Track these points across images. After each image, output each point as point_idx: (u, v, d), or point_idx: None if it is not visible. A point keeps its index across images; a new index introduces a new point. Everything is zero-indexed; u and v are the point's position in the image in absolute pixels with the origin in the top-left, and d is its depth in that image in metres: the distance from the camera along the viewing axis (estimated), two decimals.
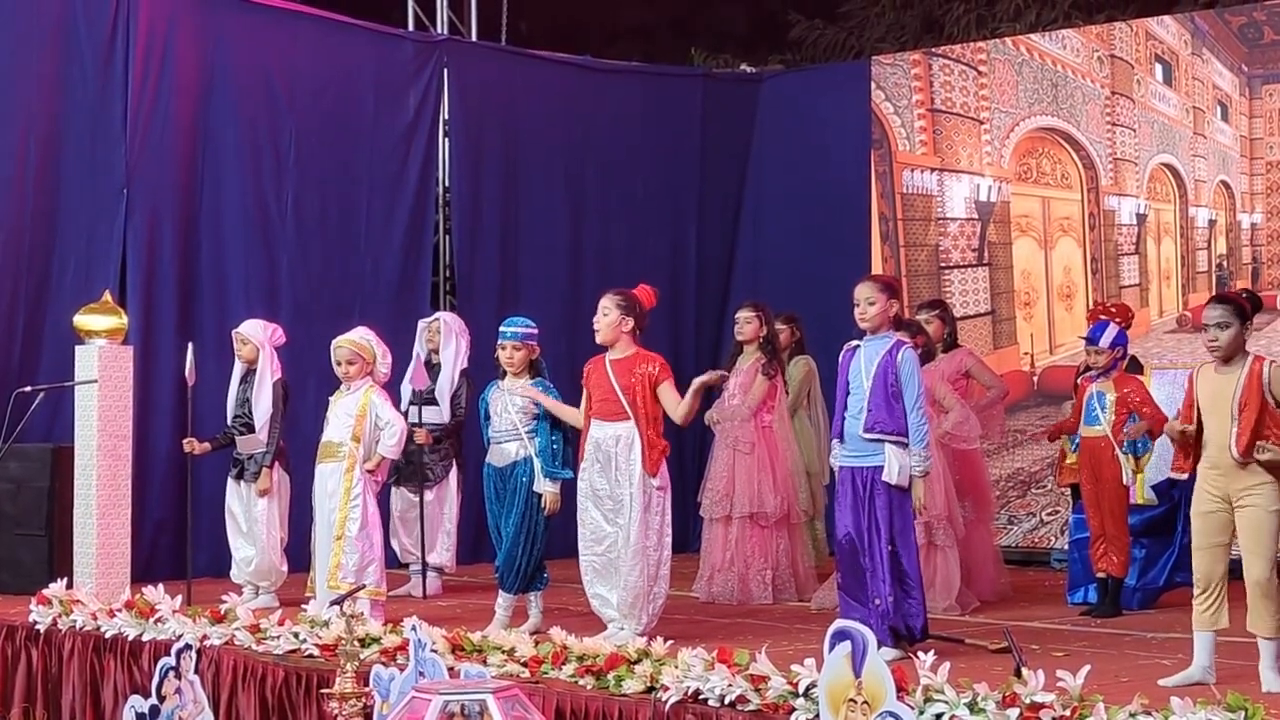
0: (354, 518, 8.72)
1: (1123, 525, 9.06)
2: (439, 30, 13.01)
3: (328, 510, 8.82)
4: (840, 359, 7.68)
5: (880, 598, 7.39)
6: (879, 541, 7.42)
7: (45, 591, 8.92)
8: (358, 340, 8.93)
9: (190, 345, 9.72)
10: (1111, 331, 9.05)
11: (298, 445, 10.08)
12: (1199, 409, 6.73)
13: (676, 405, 8.07)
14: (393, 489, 10.54)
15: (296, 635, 7.69)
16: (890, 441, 7.41)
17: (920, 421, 7.45)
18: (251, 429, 9.64)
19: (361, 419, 8.78)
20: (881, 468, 7.42)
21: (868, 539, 7.45)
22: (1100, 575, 9.12)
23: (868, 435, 7.45)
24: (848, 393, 7.57)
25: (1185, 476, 6.92)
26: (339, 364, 8.94)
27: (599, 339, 8.20)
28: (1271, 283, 11.44)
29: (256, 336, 9.76)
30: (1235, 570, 6.75)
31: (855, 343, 7.68)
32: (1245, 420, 6.54)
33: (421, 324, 10.69)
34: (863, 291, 7.62)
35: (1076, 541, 9.61)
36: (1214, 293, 11.52)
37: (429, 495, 10.40)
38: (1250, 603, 6.57)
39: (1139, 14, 12.74)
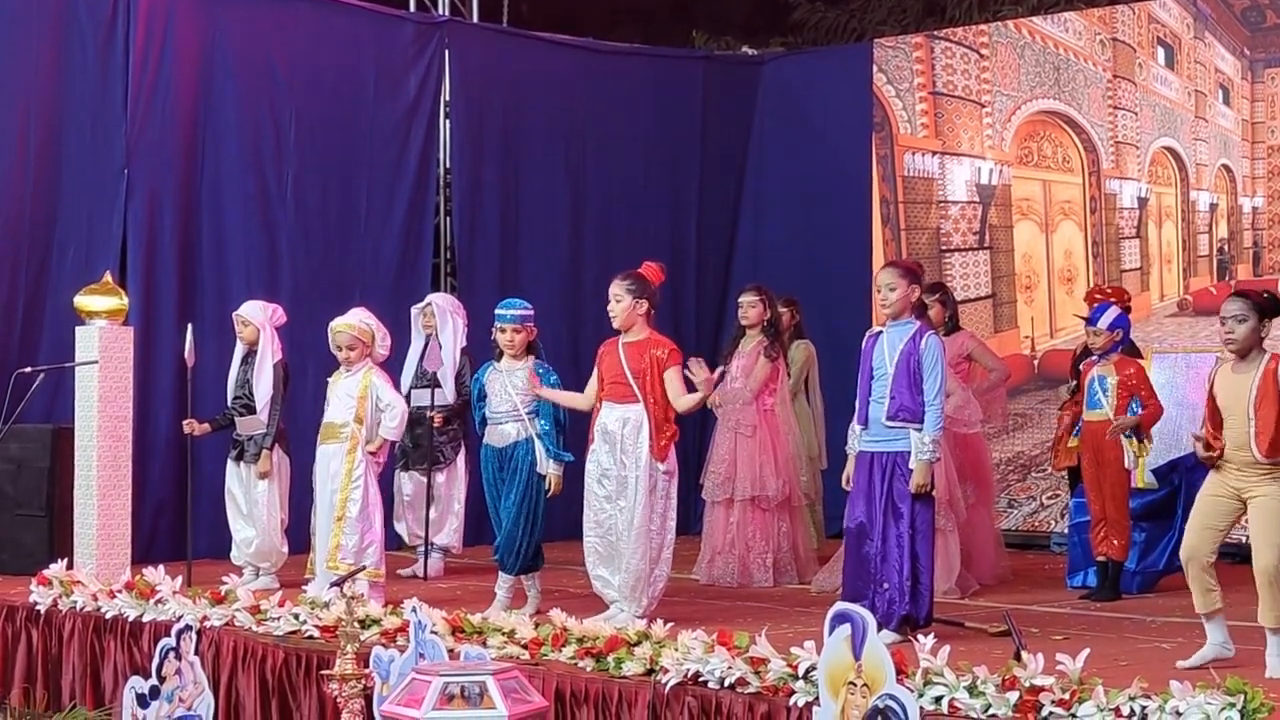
0: (354, 499, 8.73)
1: (1124, 509, 9.06)
2: (440, 12, 12.99)
3: (329, 491, 8.83)
4: (864, 344, 7.67)
5: (890, 583, 7.39)
6: (895, 526, 7.42)
7: (45, 572, 8.93)
8: (357, 325, 8.92)
9: (190, 326, 9.72)
10: (1112, 313, 9.05)
11: (298, 427, 10.09)
12: (1219, 407, 6.70)
13: (679, 395, 8.01)
14: (401, 472, 10.54)
15: (297, 616, 7.70)
16: (915, 427, 7.41)
17: (937, 412, 7.44)
18: (252, 410, 9.63)
19: (363, 400, 8.79)
20: (903, 453, 7.42)
21: (881, 523, 7.45)
22: (1100, 559, 9.11)
23: (891, 423, 7.45)
24: (871, 378, 7.57)
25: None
26: (339, 349, 8.94)
27: (616, 325, 8.17)
28: (1272, 267, 11.44)
29: (257, 318, 9.75)
30: (1246, 557, 6.75)
31: (878, 328, 7.69)
32: (1263, 419, 6.50)
33: (415, 310, 10.67)
34: (884, 278, 7.61)
35: (1076, 525, 9.61)
36: (1215, 277, 11.53)
37: (439, 477, 10.42)
38: (1260, 593, 6.55)
39: None
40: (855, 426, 7.66)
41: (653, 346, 8.08)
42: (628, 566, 7.98)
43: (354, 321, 8.94)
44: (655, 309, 8.22)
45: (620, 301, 8.12)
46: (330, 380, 9.04)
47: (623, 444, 8.04)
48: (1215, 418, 6.72)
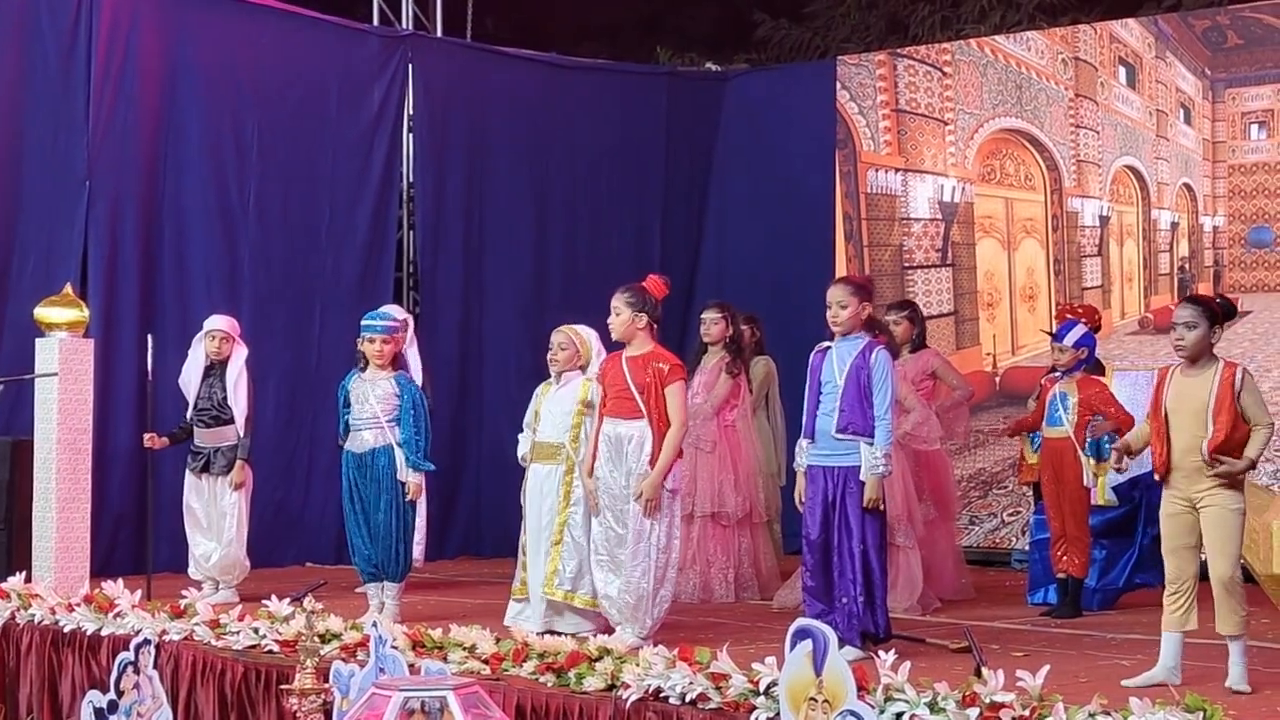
0: (575, 522, 8.29)
1: (1084, 526, 9.08)
2: (404, 26, 12.98)
3: (542, 512, 8.41)
4: (811, 359, 7.67)
5: (849, 597, 7.40)
6: (849, 541, 7.42)
7: (4, 585, 8.87)
8: (568, 329, 8.55)
9: (150, 338, 9.64)
10: (1078, 331, 9.08)
11: (258, 438, 10.06)
12: (1166, 411, 6.74)
13: (676, 413, 7.87)
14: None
15: (256, 631, 7.65)
16: (865, 441, 7.41)
17: (887, 427, 7.45)
18: (221, 422, 9.62)
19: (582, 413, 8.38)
20: (853, 468, 7.42)
21: (837, 538, 7.45)
22: (1060, 576, 9.13)
23: (840, 435, 7.45)
24: (820, 393, 7.56)
25: (1158, 478, 6.93)
26: (558, 349, 8.47)
27: (614, 338, 8.09)
28: (1233, 286, 11.49)
29: (237, 332, 9.79)
30: (1203, 573, 6.78)
31: (827, 344, 7.68)
32: (1220, 426, 6.54)
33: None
34: (834, 295, 7.62)
35: (1037, 542, 9.64)
36: (1176, 295, 11.58)
37: None
38: (1216, 602, 6.59)
39: (1103, 17, 12.77)
40: (803, 442, 7.65)
41: (655, 360, 7.95)
42: (628, 584, 7.83)
43: (564, 327, 8.55)
44: (657, 322, 8.11)
45: (619, 314, 8.00)
46: (538, 392, 8.60)
47: (626, 461, 7.91)
48: (1158, 418, 6.75)
